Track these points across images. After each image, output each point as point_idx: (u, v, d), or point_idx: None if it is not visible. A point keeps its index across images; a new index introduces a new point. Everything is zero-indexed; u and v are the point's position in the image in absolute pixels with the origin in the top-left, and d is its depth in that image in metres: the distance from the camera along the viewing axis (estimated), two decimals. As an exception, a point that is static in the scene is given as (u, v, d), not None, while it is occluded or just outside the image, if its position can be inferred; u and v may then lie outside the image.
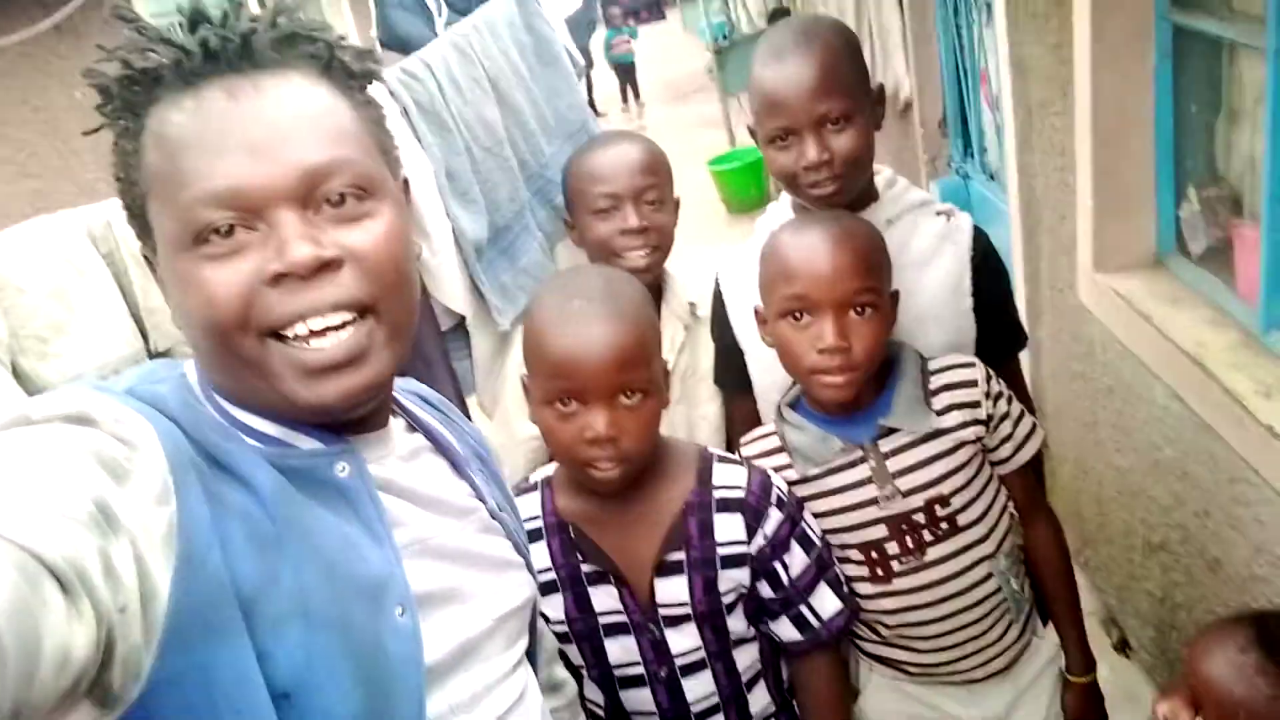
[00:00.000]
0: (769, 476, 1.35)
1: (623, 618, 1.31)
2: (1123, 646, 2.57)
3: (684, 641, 1.32)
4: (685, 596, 1.29)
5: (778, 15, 7.52)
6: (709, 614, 1.31)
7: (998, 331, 1.54)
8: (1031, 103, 2.57)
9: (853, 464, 1.39)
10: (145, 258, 0.80)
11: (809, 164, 1.35)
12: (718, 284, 1.63)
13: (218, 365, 0.76)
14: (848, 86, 1.37)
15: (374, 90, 0.84)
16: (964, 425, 1.38)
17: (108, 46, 0.74)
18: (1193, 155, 2.06)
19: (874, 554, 1.41)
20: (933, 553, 1.39)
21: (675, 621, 1.31)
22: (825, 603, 1.36)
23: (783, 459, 1.42)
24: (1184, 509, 2.00)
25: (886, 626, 1.46)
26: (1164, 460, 2.05)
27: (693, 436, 1.69)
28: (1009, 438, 1.43)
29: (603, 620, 1.32)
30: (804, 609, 1.35)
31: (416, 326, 0.84)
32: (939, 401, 1.38)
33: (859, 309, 1.28)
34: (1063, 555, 1.53)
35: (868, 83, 1.43)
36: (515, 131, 2.27)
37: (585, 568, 1.30)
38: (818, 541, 1.37)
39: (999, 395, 1.42)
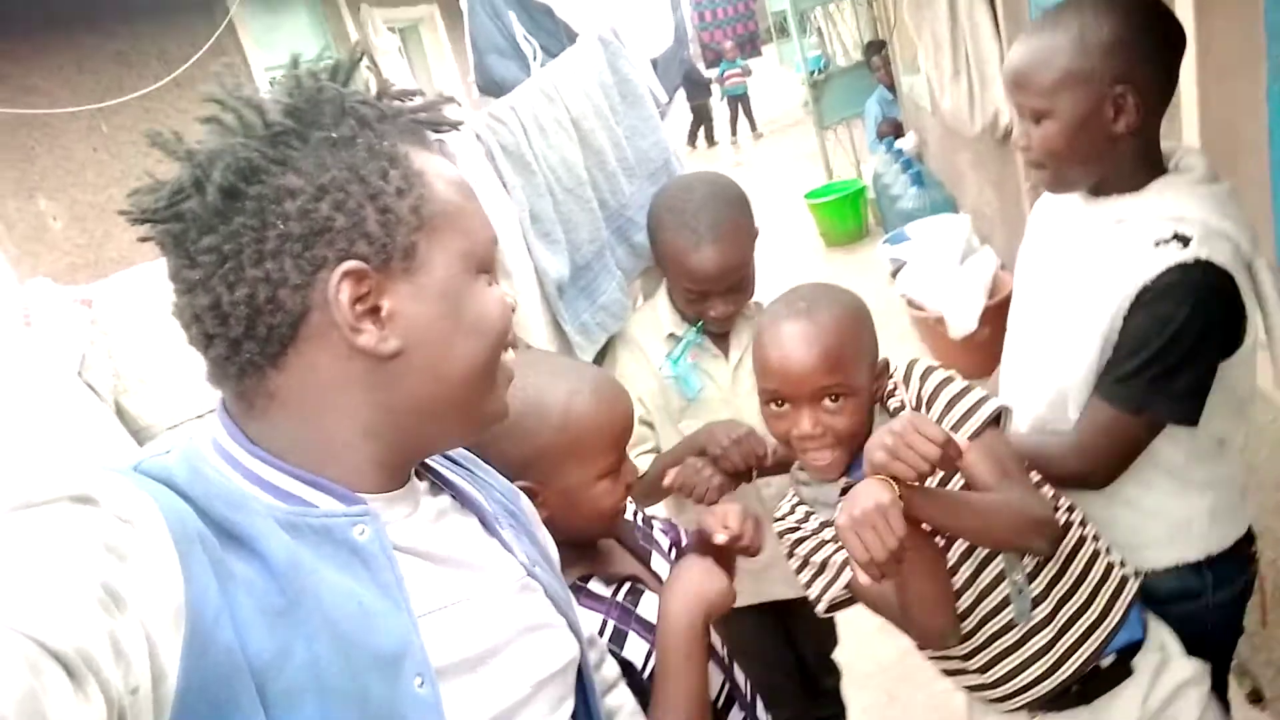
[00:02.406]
0: None
1: None
2: (1256, 697, 2.42)
3: None
4: (666, 563, 1.42)
5: (873, 47, 7.45)
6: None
7: (1108, 374, 1.41)
8: (1136, 127, 2.46)
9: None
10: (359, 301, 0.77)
11: None
12: None
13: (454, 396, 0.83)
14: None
15: (462, 135, 0.89)
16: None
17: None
18: (1312, 178, 1.94)
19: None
20: (952, 554, 1.37)
21: None
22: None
23: (808, 523, 1.48)
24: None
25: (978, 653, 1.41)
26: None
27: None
28: (943, 420, 1.37)
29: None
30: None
31: None
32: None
33: (832, 398, 1.34)
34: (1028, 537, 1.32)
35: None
36: (596, 172, 2.29)
37: (619, 595, 1.32)
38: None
39: (910, 378, 1.43)
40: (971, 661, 1.43)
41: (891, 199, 6.32)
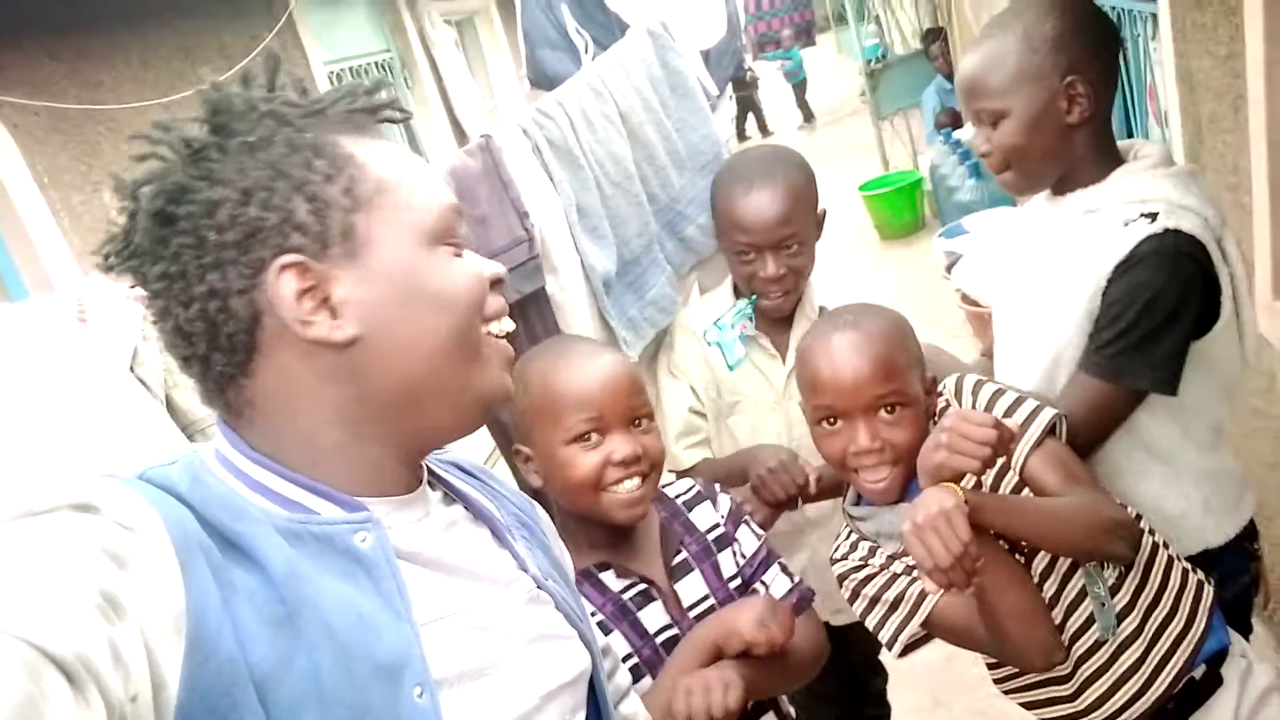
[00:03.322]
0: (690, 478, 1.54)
1: (674, 630, 1.35)
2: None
3: None
4: (704, 589, 1.39)
5: (932, 35, 7.32)
6: (726, 601, 1.39)
7: (1090, 346, 1.42)
8: (1201, 118, 2.39)
9: None
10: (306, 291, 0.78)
11: None
12: None
13: (435, 372, 0.81)
14: None
15: (507, 129, 0.89)
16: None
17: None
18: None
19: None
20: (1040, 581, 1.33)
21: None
22: (778, 583, 1.45)
23: (870, 561, 1.43)
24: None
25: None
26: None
27: None
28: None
29: (659, 640, 1.35)
30: (759, 587, 1.44)
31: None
32: None
33: (888, 409, 1.31)
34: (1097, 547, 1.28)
35: None
36: (645, 166, 2.27)
37: (628, 595, 1.33)
38: (762, 534, 1.49)
39: (960, 394, 1.39)
40: (1064, 687, 1.37)
41: (949, 191, 6.20)
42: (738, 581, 1.43)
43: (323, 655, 0.69)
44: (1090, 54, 1.43)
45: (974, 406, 1.38)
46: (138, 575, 0.61)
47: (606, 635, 1.28)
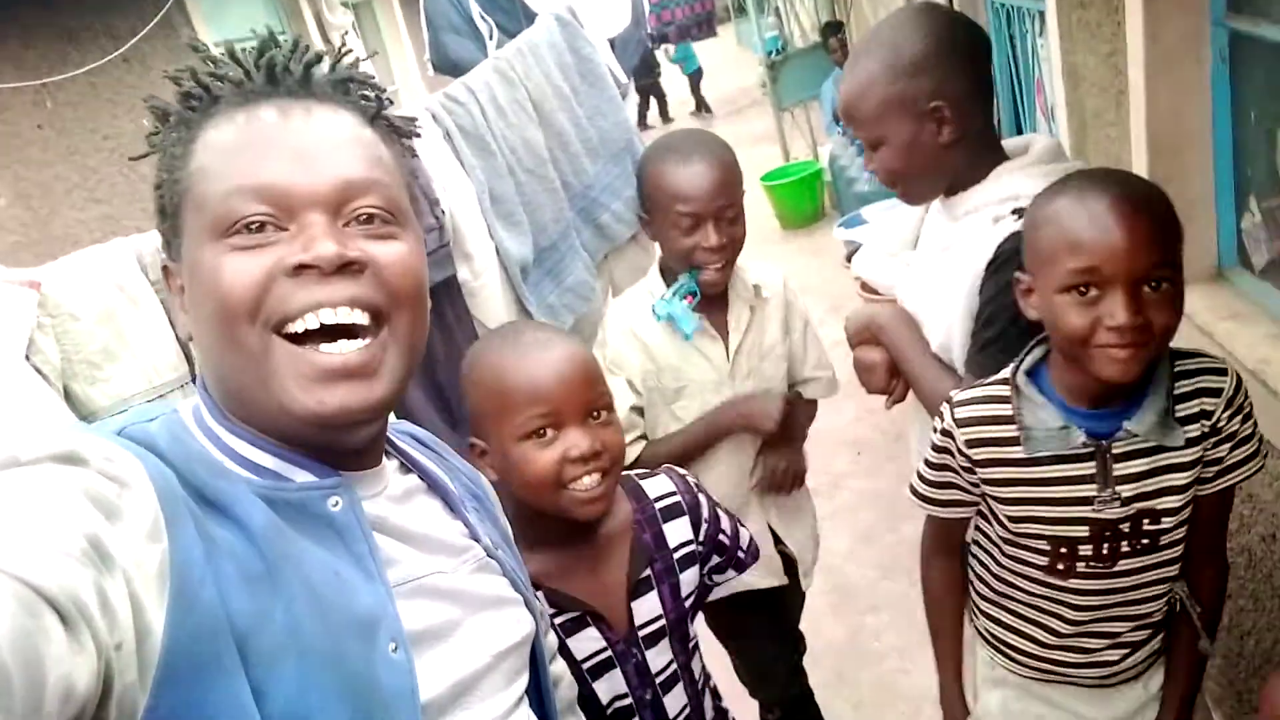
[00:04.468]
0: (678, 471, 1.47)
1: (606, 653, 1.32)
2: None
3: (659, 659, 1.36)
4: (659, 609, 1.34)
5: (831, 28, 7.47)
6: (677, 622, 1.37)
7: (971, 347, 1.45)
8: (1086, 112, 2.51)
9: (1078, 459, 1.28)
10: (164, 269, 0.83)
11: None
12: None
13: (220, 363, 0.77)
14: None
15: (416, 114, 0.87)
16: (1201, 438, 1.26)
17: (174, 70, 0.80)
18: (1254, 165, 1.99)
19: (1063, 549, 1.33)
20: (1123, 564, 1.32)
21: (651, 641, 1.35)
22: (744, 537, 1.50)
23: (1003, 432, 1.31)
24: (1250, 533, 1.93)
25: (1066, 622, 1.40)
26: (1228, 481, 1.98)
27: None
28: (1223, 459, 1.29)
29: (586, 665, 1.31)
30: (739, 553, 1.48)
31: (422, 354, 0.85)
32: (1184, 409, 1.26)
33: (1154, 284, 1.15)
34: (1219, 606, 1.42)
35: None
36: (558, 153, 2.28)
37: (560, 620, 1.29)
38: (713, 502, 1.48)
39: (1240, 410, 1.28)
40: (1078, 654, 1.42)
41: (848, 182, 6.36)
42: (691, 600, 1.39)
43: (301, 610, 0.71)
44: (955, 73, 1.43)
45: (1234, 414, 1.29)
46: (124, 525, 0.61)
47: None
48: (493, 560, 0.95)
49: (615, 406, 1.33)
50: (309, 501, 0.77)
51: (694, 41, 12.67)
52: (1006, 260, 1.35)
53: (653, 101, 13.52)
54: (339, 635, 0.72)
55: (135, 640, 0.57)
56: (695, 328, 1.84)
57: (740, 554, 1.49)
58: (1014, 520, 1.34)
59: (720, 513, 1.47)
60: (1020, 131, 3.70)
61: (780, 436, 1.89)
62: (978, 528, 1.49)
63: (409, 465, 0.94)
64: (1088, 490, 1.27)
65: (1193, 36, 1.95)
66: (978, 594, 1.53)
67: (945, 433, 1.36)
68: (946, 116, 1.43)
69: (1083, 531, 1.30)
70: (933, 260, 1.58)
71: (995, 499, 1.36)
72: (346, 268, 0.74)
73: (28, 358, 1.47)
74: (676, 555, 1.37)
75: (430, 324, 0.87)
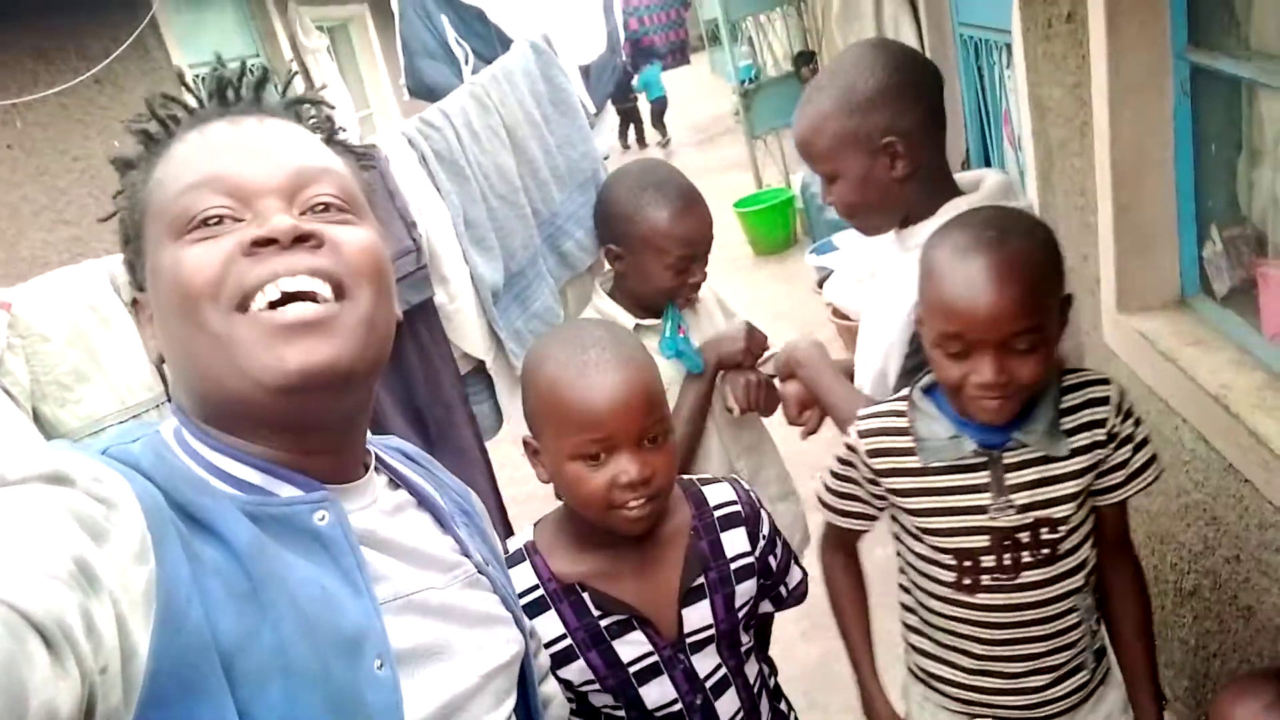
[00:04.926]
0: (742, 484, 1.44)
1: (653, 658, 1.31)
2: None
3: (706, 664, 1.35)
4: (710, 619, 1.33)
5: (803, 58, 7.58)
6: (728, 632, 1.35)
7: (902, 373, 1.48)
8: (1051, 143, 2.56)
9: (973, 468, 1.34)
10: (134, 301, 0.84)
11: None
12: None
13: (188, 362, 0.77)
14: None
15: (393, 138, 0.89)
16: (1091, 447, 1.32)
17: (148, 100, 0.83)
18: (1214, 194, 2.04)
19: (967, 563, 1.37)
20: (1026, 576, 1.36)
21: (698, 647, 1.33)
22: (794, 575, 1.48)
23: (902, 442, 1.38)
24: (1214, 555, 1.96)
25: (980, 643, 1.43)
26: (1193, 504, 2.01)
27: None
28: (1125, 464, 1.35)
29: (633, 669, 1.31)
30: (782, 588, 1.46)
31: (389, 346, 0.84)
32: (1071, 420, 1.32)
33: (1022, 343, 1.20)
34: (1145, 603, 1.46)
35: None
36: (529, 180, 2.30)
37: (605, 622, 1.29)
38: (775, 524, 1.46)
39: (1129, 414, 1.33)
40: (996, 679, 1.45)
41: (819, 209, 6.42)
42: (745, 612, 1.37)
43: (287, 628, 0.70)
44: (907, 109, 1.45)
45: (1125, 417, 1.36)
46: (111, 546, 0.60)
47: (571, 663, 1.27)
48: (483, 577, 0.95)
49: (671, 431, 1.29)
50: (294, 516, 0.77)
51: (668, 69, 12.77)
52: None
53: (630, 126, 13.59)
54: (325, 653, 0.72)
55: (121, 662, 0.57)
56: (701, 362, 1.91)
57: (782, 590, 1.46)
58: (923, 532, 1.39)
59: (779, 540, 1.45)
60: (988, 160, 3.77)
61: (750, 363, 1.95)
62: (899, 553, 1.52)
63: (398, 481, 0.94)
64: (983, 499, 1.34)
65: (1155, 69, 2.00)
66: (906, 626, 1.57)
67: (850, 446, 1.44)
68: (899, 152, 1.46)
69: (984, 541, 1.35)
70: (881, 286, 1.62)
71: (903, 509, 1.41)
72: (304, 241, 0.75)
73: (-4, 379, 1.45)
74: (734, 566, 1.35)
75: (408, 348, 0.87)
